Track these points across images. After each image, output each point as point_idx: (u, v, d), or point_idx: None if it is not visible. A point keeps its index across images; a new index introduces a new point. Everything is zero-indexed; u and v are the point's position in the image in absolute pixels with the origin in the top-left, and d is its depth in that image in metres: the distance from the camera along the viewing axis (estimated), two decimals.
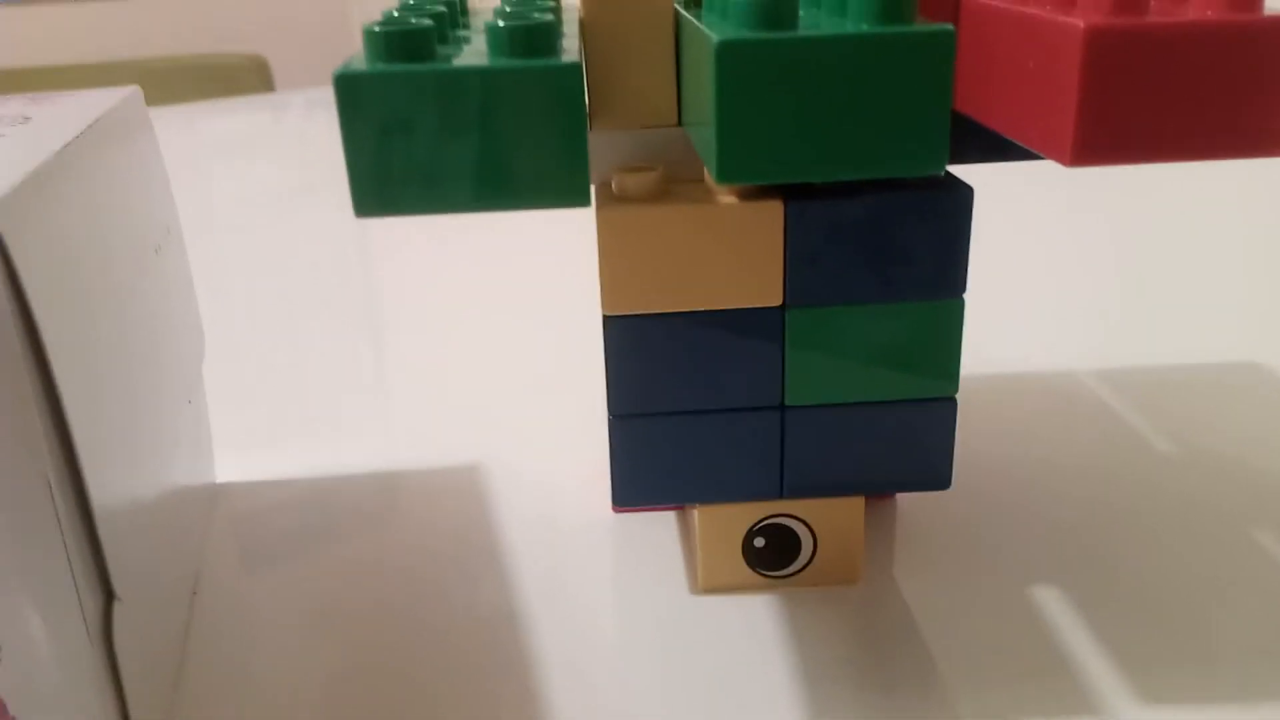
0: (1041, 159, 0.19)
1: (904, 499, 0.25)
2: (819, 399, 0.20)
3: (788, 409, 0.20)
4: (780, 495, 0.21)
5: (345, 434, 0.29)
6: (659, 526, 0.24)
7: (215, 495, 0.26)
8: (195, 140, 0.68)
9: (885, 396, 0.20)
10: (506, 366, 0.33)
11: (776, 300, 0.19)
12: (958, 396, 0.20)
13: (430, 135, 0.14)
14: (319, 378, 0.33)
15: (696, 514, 0.21)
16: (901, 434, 0.20)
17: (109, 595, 0.16)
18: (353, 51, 0.15)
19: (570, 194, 0.15)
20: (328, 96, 0.14)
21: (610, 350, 0.20)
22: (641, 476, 0.21)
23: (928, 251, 0.19)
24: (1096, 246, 0.42)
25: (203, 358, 0.25)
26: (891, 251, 0.19)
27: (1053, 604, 0.21)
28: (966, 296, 0.19)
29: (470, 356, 0.34)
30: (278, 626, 0.22)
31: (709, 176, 0.19)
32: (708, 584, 0.22)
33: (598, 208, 0.19)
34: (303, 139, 0.68)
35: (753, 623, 0.21)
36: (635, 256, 0.19)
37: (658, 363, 0.20)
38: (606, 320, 0.19)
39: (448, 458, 0.27)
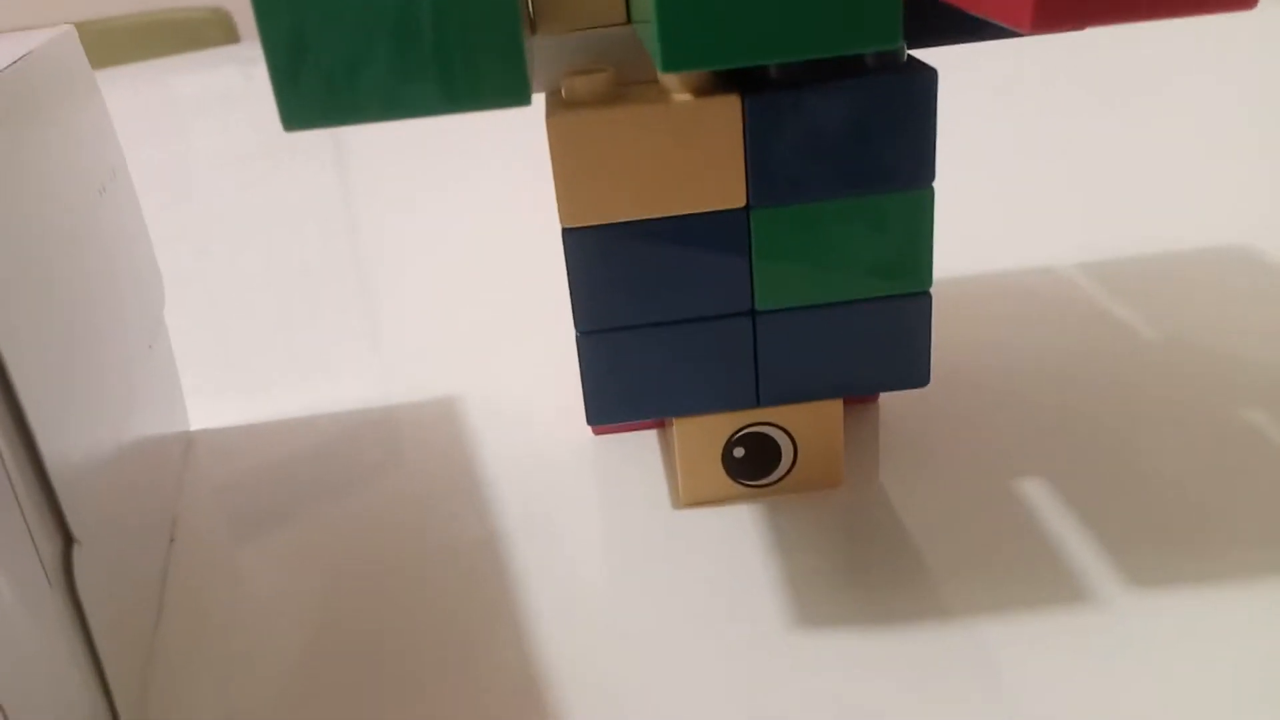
0: (1002, 35, 0.19)
1: (885, 402, 0.24)
2: (790, 302, 0.19)
3: (759, 314, 0.20)
4: (757, 404, 0.20)
5: (321, 377, 0.29)
6: (640, 447, 0.24)
7: (189, 442, 0.25)
8: (165, 98, 0.66)
9: (858, 295, 0.19)
10: (481, 301, 0.32)
11: (740, 201, 0.19)
12: (932, 292, 0.20)
13: (356, 35, 0.14)
14: (294, 323, 0.33)
15: (674, 427, 0.21)
16: (877, 332, 0.20)
17: (68, 539, 0.15)
18: None
19: (509, 93, 0.14)
20: None
21: (571, 265, 0.19)
22: (613, 393, 0.20)
23: (893, 139, 0.18)
24: (1071, 136, 0.42)
25: (163, 303, 0.24)
26: (855, 142, 0.18)
27: (1039, 497, 0.21)
28: (939, 193, 0.19)
29: (444, 294, 0.33)
30: (259, 567, 0.21)
31: (663, 76, 0.19)
32: (689, 498, 0.21)
33: (547, 114, 0.18)
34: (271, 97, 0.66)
35: (737, 532, 0.21)
36: (590, 163, 0.18)
37: (621, 275, 0.19)
38: (565, 233, 0.19)
39: (424, 394, 0.27)
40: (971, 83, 0.48)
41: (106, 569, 0.17)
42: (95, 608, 0.16)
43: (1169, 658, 0.17)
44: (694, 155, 0.18)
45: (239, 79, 0.73)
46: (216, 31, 0.94)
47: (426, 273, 0.35)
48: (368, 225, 0.41)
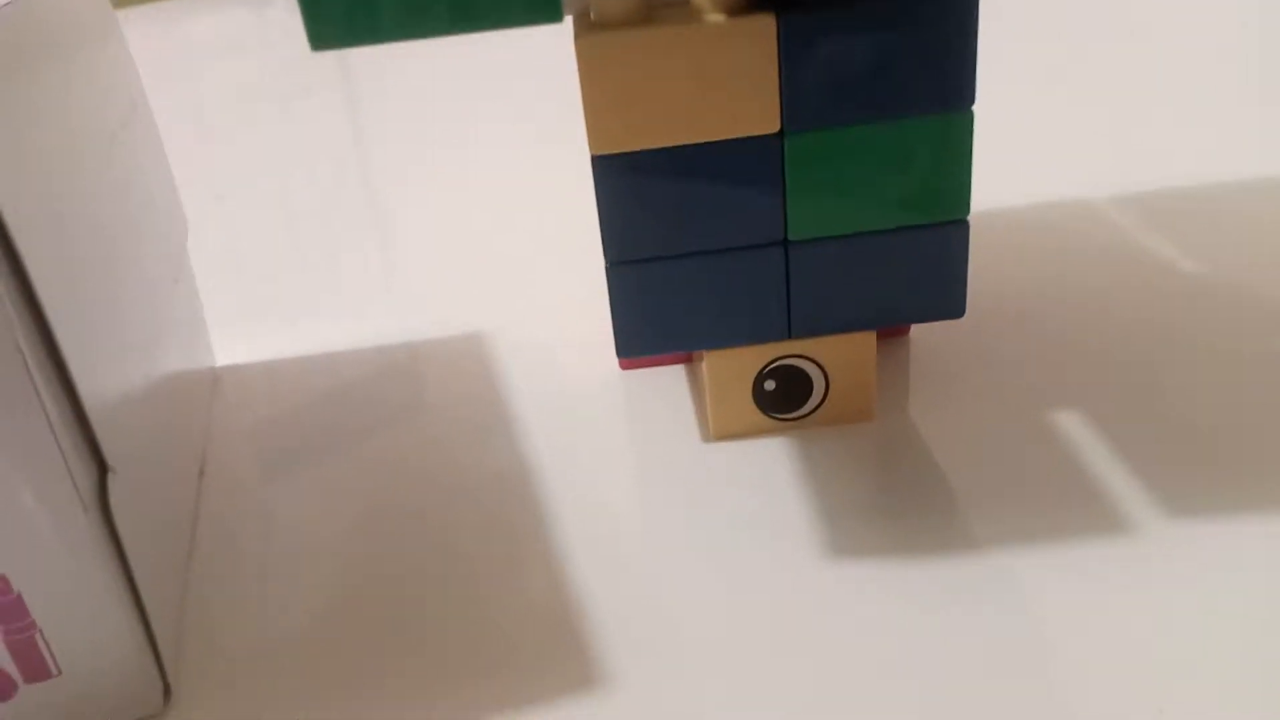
0: None
1: (916, 335, 0.24)
2: (823, 231, 0.19)
3: (791, 244, 0.19)
4: (788, 336, 0.20)
5: (347, 315, 0.29)
6: (669, 381, 0.24)
7: (216, 377, 0.25)
8: (180, 41, 0.66)
9: (893, 224, 0.19)
10: (509, 236, 0.32)
11: (774, 126, 0.18)
12: (969, 221, 0.19)
13: None
14: (319, 262, 0.32)
15: (704, 361, 0.21)
16: (912, 263, 0.19)
17: (103, 468, 0.15)
18: None
19: (539, 8, 0.14)
20: None
21: (601, 193, 0.19)
22: (643, 325, 0.20)
23: (932, 61, 0.18)
24: (1109, 67, 0.41)
25: (186, 237, 0.24)
26: (893, 63, 0.18)
27: (1071, 430, 0.21)
28: (975, 122, 0.18)
29: (471, 230, 0.33)
30: (289, 501, 0.21)
31: None
32: (720, 431, 0.21)
33: (575, 36, 0.17)
34: (287, 34, 0.66)
35: (767, 465, 0.21)
36: (620, 87, 0.18)
37: (652, 203, 0.19)
38: (595, 161, 0.18)
39: (453, 330, 0.27)
40: (1009, 7, 0.47)
41: (140, 498, 0.17)
42: (131, 536, 0.16)
43: (1203, 588, 0.17)
44: (727, 78, 0.18)
45: (253, 20, 0.73)
46: None
47: (449, 207, 0.35)
48: (386, 161, 0.41)
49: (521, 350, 0.26)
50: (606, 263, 0.19)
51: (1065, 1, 0.50)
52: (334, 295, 0.30)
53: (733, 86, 0.18)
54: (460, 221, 0.34)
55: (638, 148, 0.18)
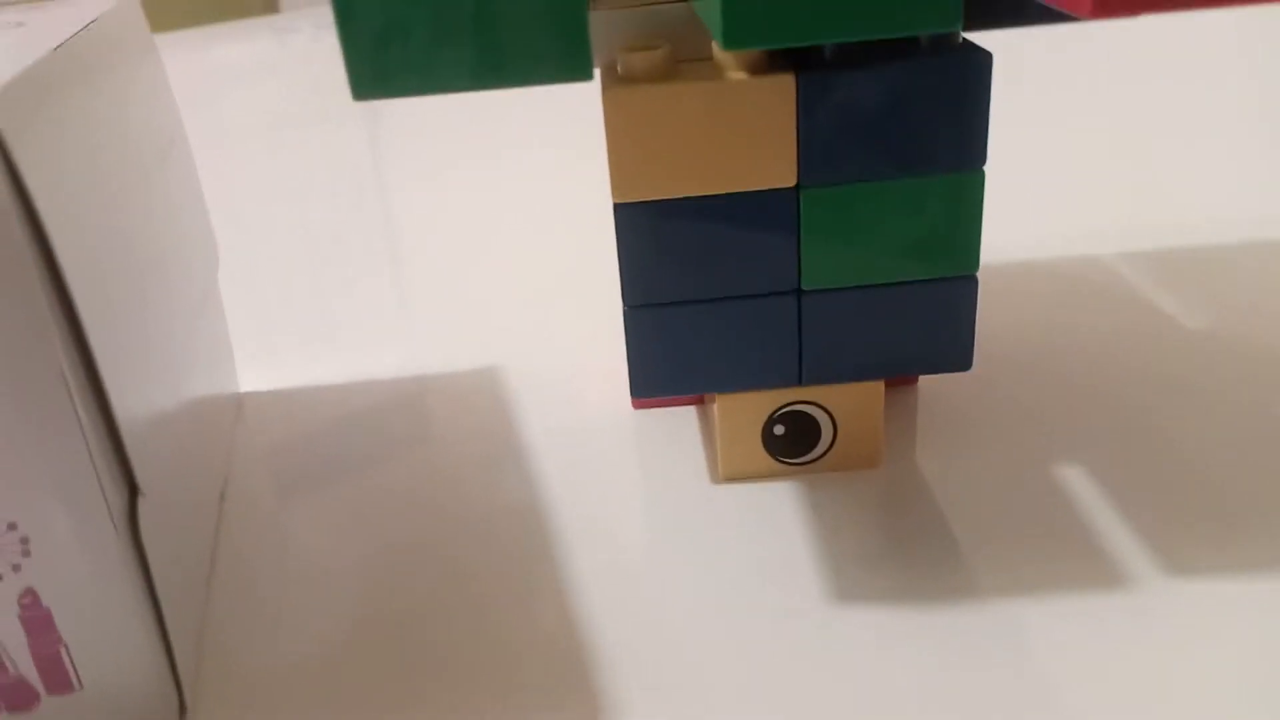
0: (1059, 20, 0.19)
1: (924, 384, 0.24)
2: (836, 282, 0.20)
3: (804, 294, 0.20)
4: (799, 382, 0.21)
5: (365, 344, 0.29)
6: (680, 422, 0.24)
7: (239, 404, 0.26)
8: (202, 67, 0.67)
9: (904, 277, 0.20)
10: (524, 272, 0.33)
11: (790, 181, 0.19)
12: (979, 276, 0.20)
13: (424, 10, 0.14)
14: (337, 291, 0.33)
15: (715, 403, 0.21)
16: (921, 315, 0.20)
17: (133, 490, 0.16)
18: None
19: (571, 68, 0.14)
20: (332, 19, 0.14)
21: (622, 239, 0.19)
22: (658, 367, 0.20)
23: (946, 121, 0.18)
24: (1119, 121, 0.41)
25: (217, 267, 0.25)
26: (908, 123, 0.18)
27: (1077, 482, 0.21)
28: (987, 175, 0.19)
29: (487, 264, 0.34)
30: (306, 527, 0.22)
31: (718, 53, 0.19)
32: (728, 473, 0.22)
33: (604, 89, 0.18)
34: (309, 61, 0.67)
35: (774, 508, 0.21)
36: (644, 139, 0.18)
37: (670, 250, 0.19)
38: (617, 208, 0.19)
39: (468, 363, 0.27)
40: (1019, 64, 0.48)
41: (166, 520, 0.17)
42: (157, 557, 0.16)
43: (1203, 642, 0.17)
44: (747, 133, 0.18)
45: (275, 47, 0.74)
46: (257, 1, 0.95)
47: (467, 239, 0.35)
48: (406, 193, 0.42)
49: (534, 386, 0.26)
50: (625, 306, 0.20)
51: (1077, 58, 0.51)
52: (352, 328, 0.31)
53: (752, 141, 0.18)
54: (477, 254, 0.34)
55: (659, 197, 0.19)
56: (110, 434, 0.16)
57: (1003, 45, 0.19)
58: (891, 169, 0.19)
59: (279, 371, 0.27)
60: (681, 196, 0.19)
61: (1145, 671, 0.17)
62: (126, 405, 0.16)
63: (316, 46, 0.71)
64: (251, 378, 0.27)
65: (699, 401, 0.25)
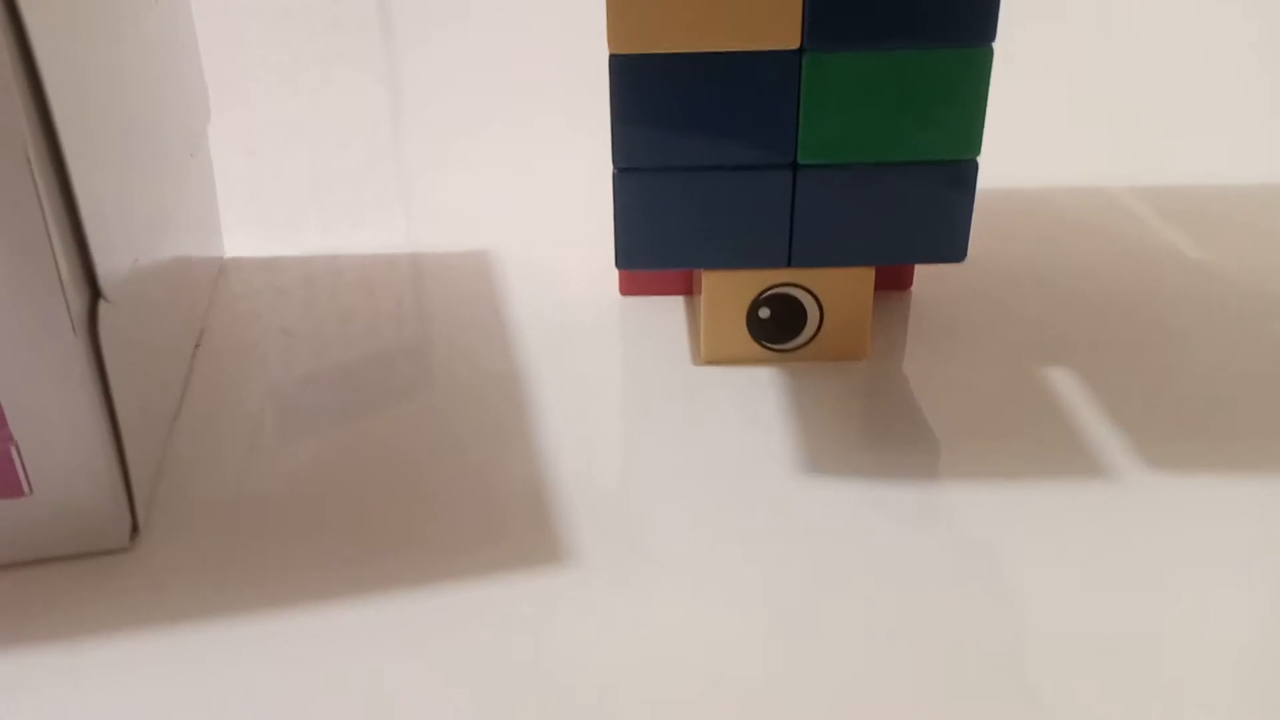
0: None
1: (918, 291, 0.24)
2: (834, 158, 0.19)
3: (800, 168, 0.19)
4: (788, 264, 0.20)
5: (359, 219, 0.29)
6: (667, 309, 0.24)
7: (223, 267, 0.26)
8: None
9: (904, 157, 0.19)
10: (522, 160, 0.32)
11: (794, 42, 0.18)
12: (978, 198, 0.19)
13: None
14: (335, 168, 0.33)
15: (701, 280, 0.21)
16: (919, 200, 0.20)
17: (95, 292, 0.16)
18: None
19: None
20: None
21: (616, 94, 0.19)
22: (644, 236, 0.20)
23: None
24: (1144, 57, 0.40)
25: (208, 119, 0.24)
26: None
27: (1062, 387, 0.21)
28: (996, 101, 0.18)
29: (487, 150, 0.33)
30: (279, 381, 0.22)
31: None
32: (711, 355, 0.21)
33: None
34: None
35: (754, 393, 0.21)
36: None
37: (665, 110, 0.19)
38: (612, 59, 0.18)
39: (457, 244, 0.27)
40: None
41: (131, 336, 0.17)
42: (116, 368, 0.16)
43: (1173, 533, 0.17)
44: None
45: None
46: None
47: (471, 125, 0.35)
48: (414, 64, 0.41)
49: (524, 269, 0.26)
50: (614, 168, 0.19)
51: None
52: (346, 203, 0.30)
53: None
54: (478, 144, 0.34)
55: (656, 50, 0.18)
56: (76, 232, 0.15)
57: None
58: (899, 38, 0.18)
59: (268, 240, 0.27)
60: (680, 52, 0.18)
61: (1109, 555, 0.16)
62: (95, 205, 0.16)
63: None
64: (237, 244, 0.27)
65: (687, 292, 0.24)
